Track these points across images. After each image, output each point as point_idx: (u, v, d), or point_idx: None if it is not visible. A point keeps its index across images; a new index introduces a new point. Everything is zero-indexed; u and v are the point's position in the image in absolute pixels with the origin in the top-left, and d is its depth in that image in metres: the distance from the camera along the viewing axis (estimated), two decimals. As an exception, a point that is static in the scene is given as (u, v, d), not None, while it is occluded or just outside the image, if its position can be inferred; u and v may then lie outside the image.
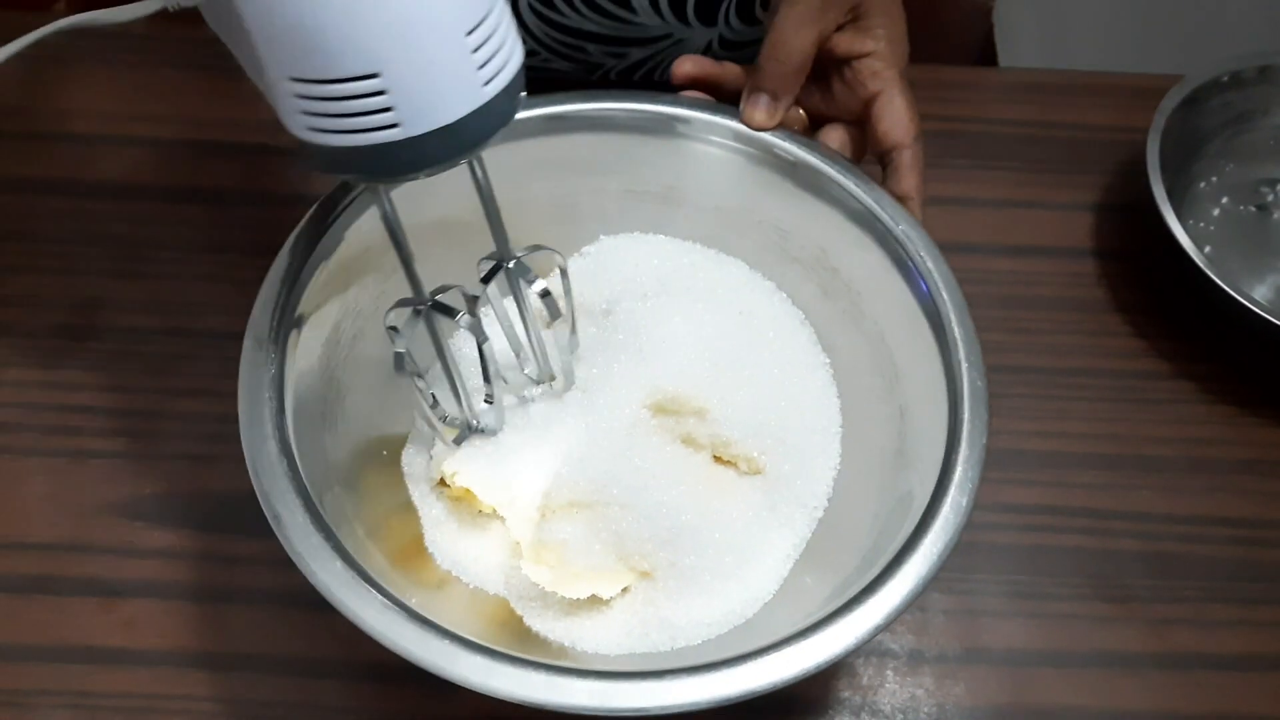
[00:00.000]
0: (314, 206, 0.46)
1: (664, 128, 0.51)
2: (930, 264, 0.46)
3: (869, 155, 0.52)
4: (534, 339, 0.46)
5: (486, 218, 0.42)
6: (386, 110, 0.33)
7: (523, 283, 0.44)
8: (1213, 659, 0.52)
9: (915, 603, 0.39)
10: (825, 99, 0.52)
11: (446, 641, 0.37)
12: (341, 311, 0.47)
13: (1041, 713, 0.50)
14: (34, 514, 0.52)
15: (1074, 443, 0.58)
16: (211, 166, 0.64)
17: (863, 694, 0.50)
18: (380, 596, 0.37)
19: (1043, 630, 0.52)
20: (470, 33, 0.33)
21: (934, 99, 0.68)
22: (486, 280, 0.44)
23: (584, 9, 0.67)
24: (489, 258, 0.44)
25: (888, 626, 0.38)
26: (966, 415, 0.42)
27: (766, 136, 0.50)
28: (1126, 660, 0.51)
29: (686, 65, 0.52)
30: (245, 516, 0.39)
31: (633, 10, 0.68)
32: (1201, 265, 0.57)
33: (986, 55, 1.34)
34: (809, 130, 0.53)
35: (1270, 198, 0.67)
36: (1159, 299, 0.63)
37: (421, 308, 0.41)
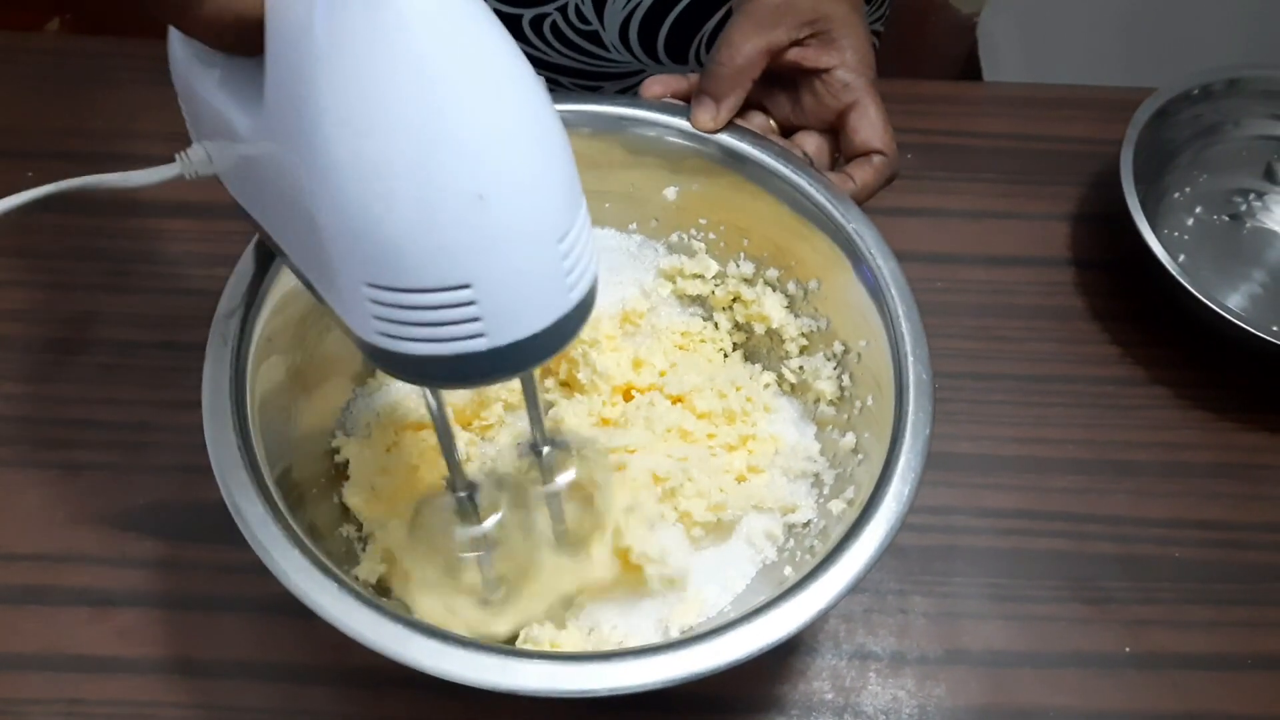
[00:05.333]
0: None
1: (618, 128, 0.51)
2: (880, 260, 0.47)
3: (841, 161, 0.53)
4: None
5: (526, 404, 0.41)
6: (474, 321, 0.31)
7: (554, 468, 0.43)
8: (1188, 659, 0.53)
9: (857, 586, 0.39)
10: (796, 110, 0.53)
11: (399, 625, 0.37)
12: (307, 308, 0.47)
13: (1021, 712, 0.51)
14: (27, 525, 0.53)
15: (1051, 448, 0.59)
16: (201, 181, 0.65)
17: (845, 695, 0.51)
18: (335, 583, 0.38)
19: (1022, 632, 0.53)
20: (561, 241, 0.31)
21: (913, 112, 0.69)
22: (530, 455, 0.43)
23: (557, 44, 0.69)
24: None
25: (830, 610, 0.39)
26: (911, 406, 0.43)
27: (721, 136, 0.51)
28: (1103, 660, 0.52)
29: (655, 87, 0.53)
30: (235, 527, 0.39)
31: (604, 47, 0.69)
32: (1175, 274, 0.58)
33: (970, 68, 1.36)
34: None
35: (1243, 207, 0.69)
36: (1134, 307, 0.64)
37: (461, 495, 0.42)
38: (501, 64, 0.30)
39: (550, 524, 0.45)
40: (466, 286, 0.30)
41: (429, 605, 0.45)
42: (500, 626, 0.45)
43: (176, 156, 0.39)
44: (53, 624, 0.50)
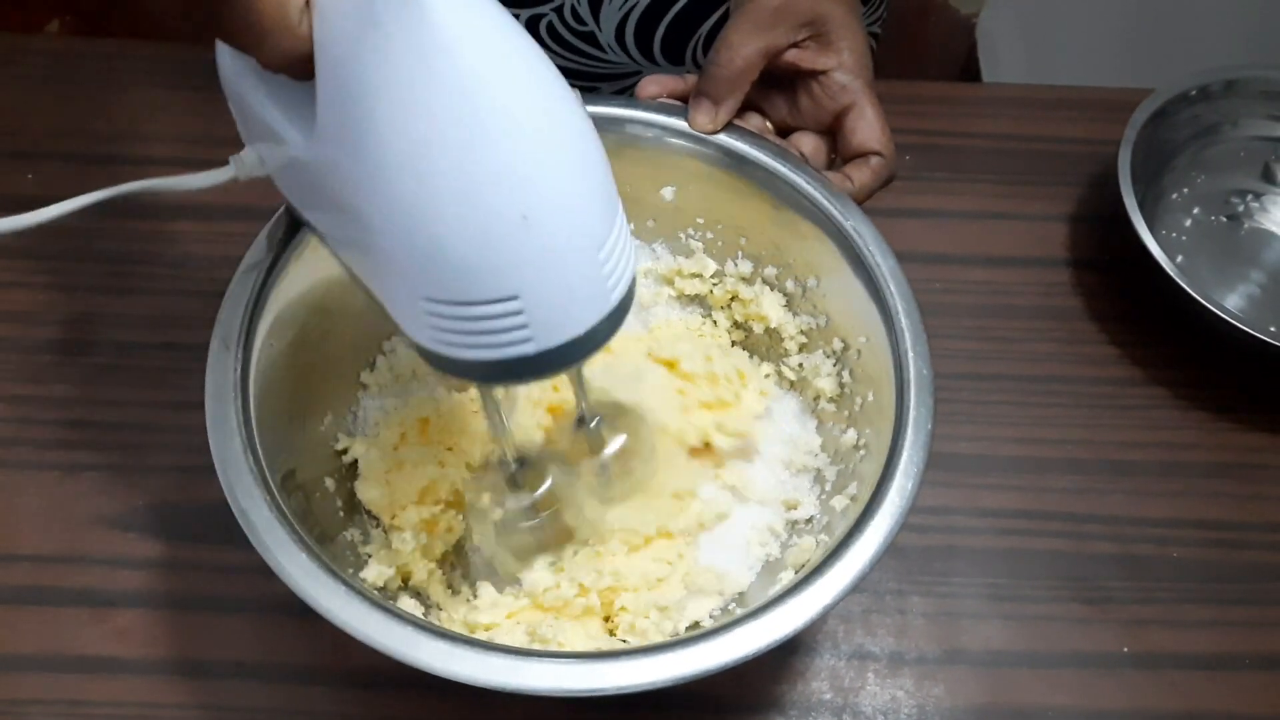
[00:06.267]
0: (280, 209, 0.47)
1: (615, 128, 0.51)
2: (878, 257, 0.47)
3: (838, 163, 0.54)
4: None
5: (572, 386, 0.44)
6: (522, 328, 0.33)
7: (603, 437, 0.47)
8: (1186, 658, 0.53)
9: (859, 585, 0.40)
10: (793, 112, 0.53)
11: (409, 628, 0.37)
12: (308, 311, 0.48)
13: (1019, 712, 0.51)
14: (28, 526, 0.53)
15: (1050, 448, 0.59)
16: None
17: (844, 695, 0.51)
18: (344, 586, 0.38)
19: (1020, 631, 0.53)
20: (600, 249, 0.34)
21: (911, 114, 0.70)
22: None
23: (553, 45, 0.69)
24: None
25: (842, 599, 0.39)
26: (912, 402, 0.43)
27: (717, 136, 0.51)
28: (1102, 660, 0.52)
29: (651, 87, 0.53)
30: (236, 527, 0.40)
31: (600, 48, 0.69)
32: (1173, 274, 0.59)
33: (970, 69, 1.36)
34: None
35: (1240, 208, 0.69)
36: (1132, 308, 0.64)
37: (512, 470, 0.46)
38: (542, 86, 0.32)
39: (599, 487, 0.48)
40: (514, 298, 0.32)
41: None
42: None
43: (230, 160, 0.40)
44: (53, 624, 0.51)
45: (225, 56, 0.38)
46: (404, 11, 0.30)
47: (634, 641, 0.46)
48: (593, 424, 0.46)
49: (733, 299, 0.55)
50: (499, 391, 0.46)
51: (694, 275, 0.55)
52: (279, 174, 0.40)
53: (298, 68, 0.33)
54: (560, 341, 0.34)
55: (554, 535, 0.47)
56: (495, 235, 0.31)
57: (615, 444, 0.47)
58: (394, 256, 0.33)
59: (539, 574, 0.47)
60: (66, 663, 0.50)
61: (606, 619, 0.47)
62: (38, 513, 0.54)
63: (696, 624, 0.47)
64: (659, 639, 0.45)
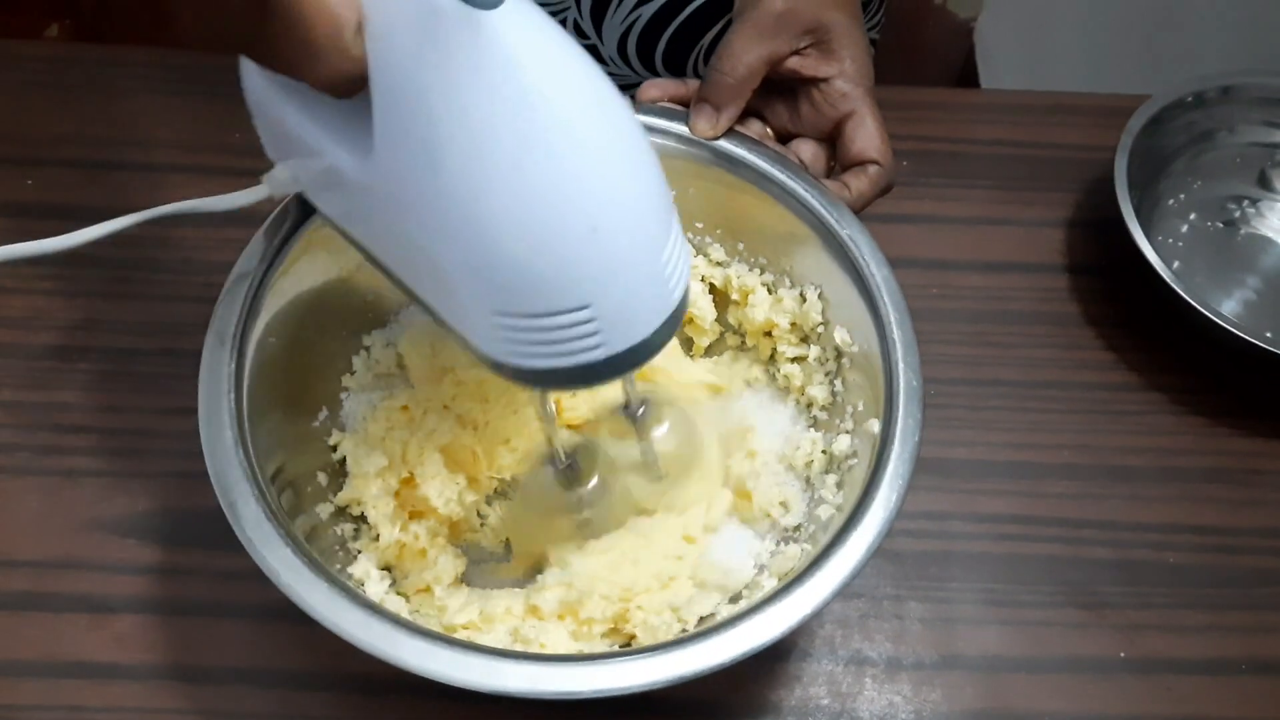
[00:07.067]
0: (277, 209, 0.47)
1: None
2: (873, 266, 0.48)
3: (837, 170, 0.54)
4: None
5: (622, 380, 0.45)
6: (593, 335, 0.34)
7: (649, 424, 0.49)
8: (1182, 663, 0.53)
9: (850, 592, 0.40)
10: (793, 119, 0.53)
11: (389, 625, 0.38)
12: (305, 308, 0.48)
13: (1016, 717, 0.51)
14: (27, 531, 0.53)
15: (1046, 453, 0.59)
16: (201, 189, 0.65)
17: (841, 700, 0.51)
18: (326, 582, 0.38)
19: (1017, 637, 0.53)
20: (662, 253, 0.35)
21: (908, 119, 0.70)
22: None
23: None
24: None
25: (815, 616, 0.40)
26: (900, 413, 0.44)
27: (717, 141, 0.51)
28: (1099, 665, 0.53)
29: (652, 90, 0.53)
30: (233, 533, 0.40)
31: (602, 60, 0.69)
32: (1169, 280, 0.59)
33: (967, 74, 1.36)
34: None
35: (1237, 214, 0.69)
36: (1129, 313, 0.64)
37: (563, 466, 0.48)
38: (601, 98, 0.33)
39: (647, 468, 0.49)
40: (586, 307, 0.33)
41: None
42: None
43: (263, 178, 0.40)
44: (52, 630, 0.51)
45: (254, 76, 0.38)
46: (465, 30, 0.30)
47: (645, 640, 0.46)
48: (639, 411, 0.48)
49: (730, 303, 0.56)
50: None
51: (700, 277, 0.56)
52: (316, 191, 0.40)
53: (347, 88, 0.33)
54: (628, 345, 0.35)
55: (608, 521, 0.49)
56: (566, 247, 0.32)
57: (662, 428, 0.49)
58: (461, 273, 0.33)
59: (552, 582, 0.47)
60: (65, 668, 0.50)
61: (614, 627, 0.47)
62: (37, 518, 0.54)
63: (705, 618, 0.47)
64: (669, 637, 0.45)
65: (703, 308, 0.54)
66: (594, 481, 0.49)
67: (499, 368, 0.36)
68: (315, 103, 0.35)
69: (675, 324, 0.36)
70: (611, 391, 0.50)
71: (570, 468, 0.48)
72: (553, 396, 0.48)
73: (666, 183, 0.36)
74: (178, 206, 0.40)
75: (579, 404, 0.52)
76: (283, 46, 0.32)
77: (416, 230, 0.34)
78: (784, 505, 0.51)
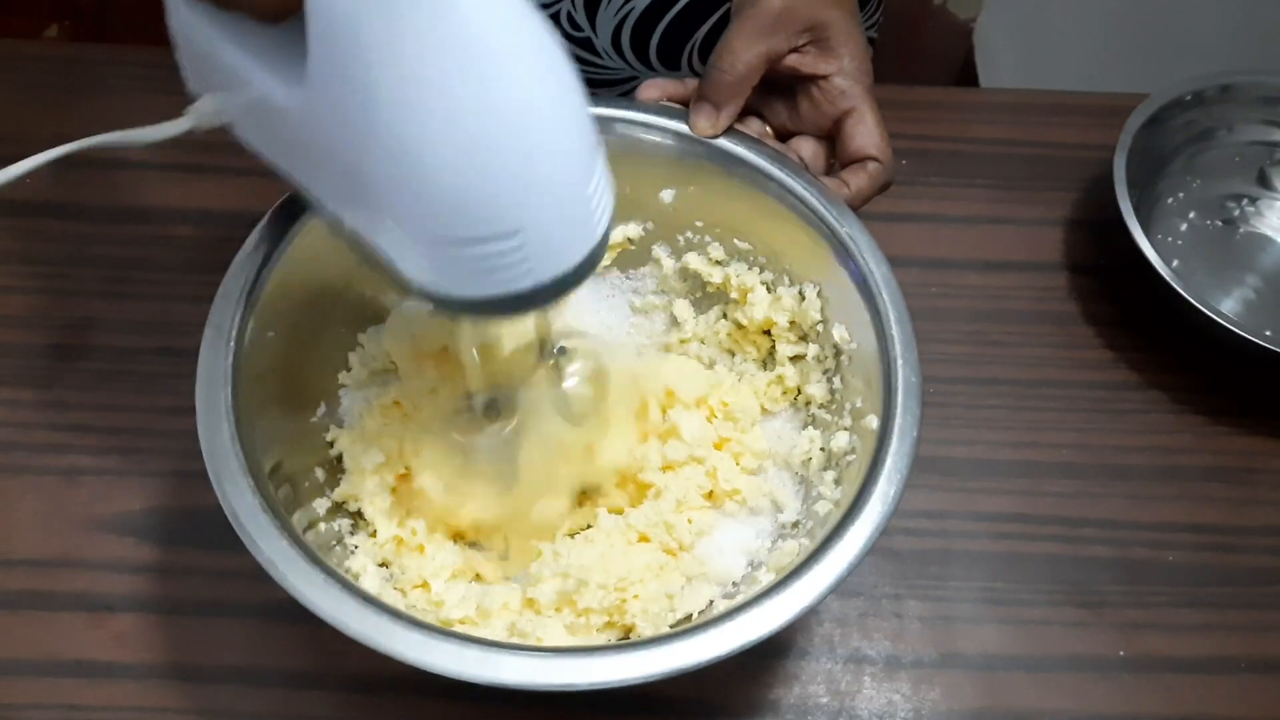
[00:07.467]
0: (276, 204, 0.47)
1: (615, 130, 0.52)
2: (872, 264, 0.47)
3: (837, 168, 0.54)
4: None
5: (537, 317, 0.47)
6: (522, 262, 0.35)
7: (566, 365, 0.49)
8: (1181, 662, 0.53)
9: (849, 590, 0.40)
10: (792, 117, 0.53)
11: (385, 618, 0.38)
12: (303, 302, 0.48)
13: (1015, 716, 0.51)
14: (25, 530, 0.53)
15: (1046, 452, 0.59)
16: (199, 188, 0.65)
17: (840, 699, 0.51)
18: (322, 574, 0.38)
19: (1016, 635, 0.53)
20: (589, 184, 0.36)
21: (907, 119, 0.70)
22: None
23: None
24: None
25: (811, 610, 0.39)
26: (899, 409, 0.44)
27: (717, 140, 0.51)
28: (1097, 664, 0.53)
29: (652, 90, 0.53)
30: (233, 532, 0.40)
31: (596, 53, 0.69)
32: (1169, 279, 0.59)
33: (967, 74, 1.36)
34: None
35: (1236, 213, 0.69)
36: (1128, 312, 0.64)
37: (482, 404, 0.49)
38: (537, 32, 0.34)
39: (567, 417, 0.50)
40: (516, 233, 0.34)
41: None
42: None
43: (186, 110, 0.40)
44: (50, 629, 0.51)
45: (180, 8, 0.38)
46: None
47: (645, 628, 0.46)
48: (556, 351, 0.49)
49: (729, 300, 0.56)
50: (472, 333, 0.48)
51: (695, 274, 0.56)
52: (244, 123, 0.40)
53: (279, 10, 0.33)
54: (555, 274, 0.36)
55: (528, 461, 0.49)
56: (501, 173, 0.33)
57: (574, 368, 0.49)
58: (397, 200, 0.34)
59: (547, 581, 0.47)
60: (63, 667, 0.50)
61: (610, 616, 0.47)
62: (35, 517, 0.54)
63: (702, 610, 0.47)
64: (668, 626, 0.46)
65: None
66: (514, 423, 0.49)
67: (428, 297, 0.36)
68: (245, 32, 0.36)
69: (598, 257, 0.37)
70: (528, 338, 0.50)
71: (489, 407, 0.49)
72: (477, 340, 0.49)
73: (594, 122, 0.36)
74: (98, 140, 0.41)
75: (499, 348, 0.52)
76: None
77: (350, 158, 0.34)
78: (778, 507, 0.50)
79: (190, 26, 0.38)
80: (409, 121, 0.32)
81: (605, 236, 0.37)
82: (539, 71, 0.33)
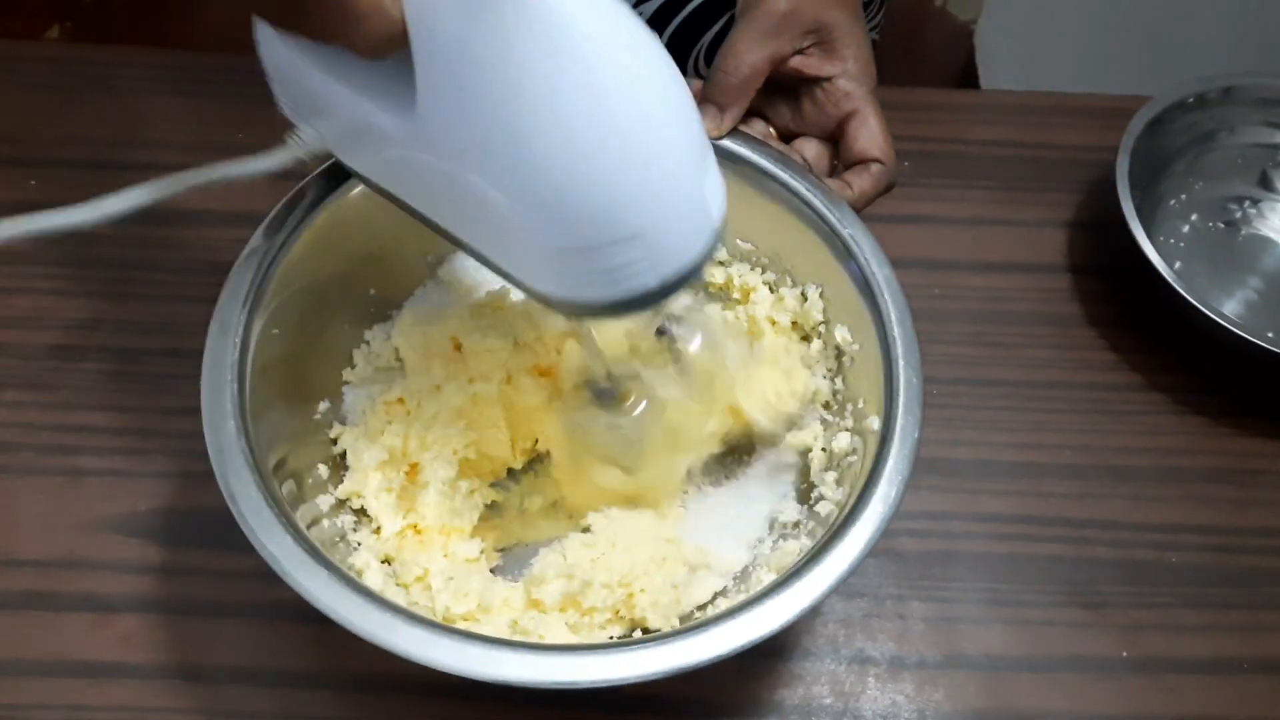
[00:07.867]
0: (281, 201, 0.47)
1: None
2: (874, 265, 0.48)
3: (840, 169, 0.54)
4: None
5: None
6: (643, 260, 0.36)
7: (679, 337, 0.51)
8: (1184, 663, 0.53)
9: (852, 590, 0.40)
10: (796, 118, 0.53)
11: (388, 613, 0.38)
12: (309, 299, 0.48)
13: (1018, 717, 0.51)
14: (31, 531, 0.53)
15: (1049, 454, 0.59)
16: (203, 190, 0.65)
17: (844, 700, 0.51)
18: (325, 570, 0.38)
19: (1019, 636, 0.53)
20: (703, 181, 0.37)
21: (909, 120, 0.70)
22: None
23: None
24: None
25: (818, 604, 0.40)
26: (900, 410, 0.44)
27: (723, 142, 0.51)
28: (1101, 665, 0.53)
29: None
30: (238, 532, 0.40)
31: None
32: (1171, 280, 0.59)
33: (968, 76, 1.36)
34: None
35: (1238, 214, 0.69)
36: (1130, 314, 0.64)
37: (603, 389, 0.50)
38: (642, 38, 0.34)
39: (682, 392, 0.51)
40: (638, 236, 0.35)
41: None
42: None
43: (288, 139, 0.40)
44: (56, 630, 0.51)
45: (272, 41, 0.38)
46: None
47: (655, 620, 0.46)
48: (673, 329, 0.50)
49: (735, 300, 0.56)
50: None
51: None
52: (349, 151, 0.40)
53: (388, 50, 0.34)
54: (677, 270, 0.37)
55: (654, 435, 0.51)
56: (621, 179, 0.34)
57: (695, 342, 0.51)
58: (520, 216, 0.35)
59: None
60: (69, 668, 0.50)
61: (617, 612, 0.47)
62: (40, 518, 0.54)
63: (705, 605, 0.47)
64: (677, 617, 0.46)
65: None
66: (638, 404, 0.50)
67: (557, 304, 0.38)
68: (344, 64, 0.36)
69: (715, 245, 0.38)
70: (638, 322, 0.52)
71: (608, 392, 0.50)
72: (597, 325, 0.49)
73: (701, 119, 0.37)
74: (206, 172, 0.40)
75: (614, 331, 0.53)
76: (322, 14, 0.33)
77: (468, 179, 0.35)
78: (780, 507, 0.51)
79: (283, 60, 0.38)
80: (527, 138, 0.33)
81: (720, 228, 0.38)
82: (650, 75, 0.34)
